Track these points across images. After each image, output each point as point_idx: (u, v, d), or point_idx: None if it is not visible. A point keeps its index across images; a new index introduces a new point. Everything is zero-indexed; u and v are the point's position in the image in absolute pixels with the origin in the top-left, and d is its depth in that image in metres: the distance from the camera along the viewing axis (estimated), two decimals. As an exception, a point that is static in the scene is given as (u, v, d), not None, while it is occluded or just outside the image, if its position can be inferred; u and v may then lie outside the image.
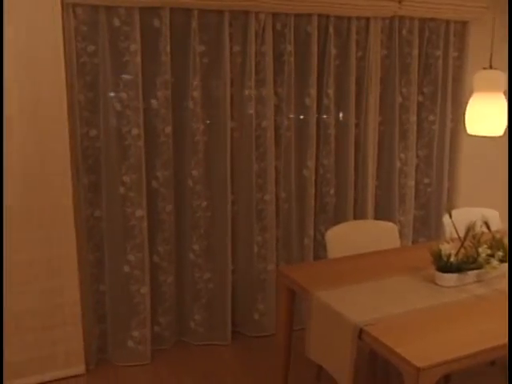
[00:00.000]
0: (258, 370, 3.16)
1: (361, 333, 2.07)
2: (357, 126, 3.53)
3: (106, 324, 3.19)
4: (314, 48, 3.27)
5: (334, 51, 3.35)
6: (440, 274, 2.43)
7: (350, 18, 3.33)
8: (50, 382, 3.03)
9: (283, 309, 2.69)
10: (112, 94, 2.93)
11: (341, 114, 3.49)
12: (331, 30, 3.29)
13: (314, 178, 3.44)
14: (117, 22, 2.88)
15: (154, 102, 3.03)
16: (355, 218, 3.60)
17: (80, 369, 3.09)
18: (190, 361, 3.26)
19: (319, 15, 3.26)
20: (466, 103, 2.48)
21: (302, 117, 3.38)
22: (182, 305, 3.36)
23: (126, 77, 2.93)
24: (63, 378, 3.06)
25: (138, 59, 2.91)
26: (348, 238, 2.99)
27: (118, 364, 3.20)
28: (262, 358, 3.27)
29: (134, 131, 2.96)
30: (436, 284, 2.44)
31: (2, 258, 2.57)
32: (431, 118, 3.71)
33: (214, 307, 3.37)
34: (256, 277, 3.42)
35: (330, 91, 3.37)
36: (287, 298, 2.66)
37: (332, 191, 3.52)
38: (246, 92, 3.19)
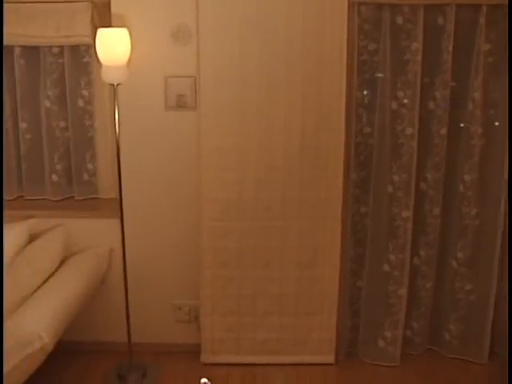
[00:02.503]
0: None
1: None
2: None
3: (359, 319, 3.22)
4: None
5: None
6: None
7: None
8: (300, 364, 3.15)
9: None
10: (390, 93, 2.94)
11: None
12: None
13: None
14: (400, 20, 2.85)
15: (431, 102, 2.95)
16: None
17: (329, 358, 3.17)
18: (440, 372, 3.13)
19: None
20: None
21: None
22: (438, 313, 3.23)
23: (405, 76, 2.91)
24: (313, 364, 3.16)
25: (419, 58, 2.85)
26: None
27: (366, 361, 3.21)
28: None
29: (408, 130, 2.92)
30: None
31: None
32: None
33: (473, 321, 3.17)
34: (524, 296, 3.15)
35: None
36: None
37: None
38: (533, 94, 2.94)
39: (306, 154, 2.89)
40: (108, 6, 2.86)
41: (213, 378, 3.04)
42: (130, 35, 2.73)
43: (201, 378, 1.94)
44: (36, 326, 2.33)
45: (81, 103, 3.21)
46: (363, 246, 3.12)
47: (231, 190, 2.92)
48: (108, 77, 2.73)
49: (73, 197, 3.32)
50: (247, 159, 2.90)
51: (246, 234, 2.98)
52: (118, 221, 2.93)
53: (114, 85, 2.73)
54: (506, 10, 2.80)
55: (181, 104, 2.94)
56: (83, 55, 3.14)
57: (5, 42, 3.04)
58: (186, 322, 3.24)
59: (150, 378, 3.07)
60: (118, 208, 2.92)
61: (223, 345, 3.15)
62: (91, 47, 3.03)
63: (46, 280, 2.75)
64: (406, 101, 2.92)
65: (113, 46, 2.68)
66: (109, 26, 2.82)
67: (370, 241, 3.08)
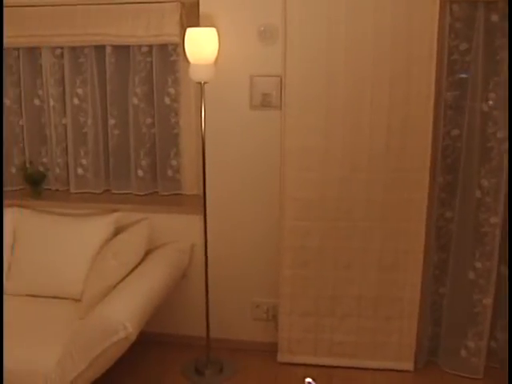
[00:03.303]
0: None
1: None
2: None
3: (440, 327, 3.12)
4: None
5: None
6: None
7: None
8: (378, 370, 3.09)
9: None
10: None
11: None
12: None
13: None
14: (494, 18, 2.74)
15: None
16: None
17: (408, 365, 3.09)
18: (524, 388, 2.99)
19: None
20: None
21: None
22: (526, 325, 3.09)
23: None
24: (391, 370, 3.09)
25: (515, 57, 2.74)
26: None
27: (446, 370, 3.10)
28: None
29: (500, 134, 2.80)
30: None
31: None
32: None
33: None
34: None
35: None
36: None
37: None
38: None
39: (391, 154, 2.83)
40: (196, 5, 2.92)
41: (289, 377, 3.04)
42: (218, 34, 2.77)
43: (305, 378, 1.93)
44: (121, 316, 2.40)
45: (167, 101, 3.29)
46: (447, 252, 3.02)
47: (314, 189, 2.91)
48: (196, 75, 2.78)
49: (157, 192, 3.41)
50: (331, 159, 2.87)
51: (328, 234, 2.95)
52: (201, 217, 2.98)
53: (201, 83, 2.78)
54: None
55: (266, 103, 2.96)
56: (171, 54, 3.22)
57: (98, 42, 3.17)
58: (263, 321, 3.25)
59: (226, 373, 3.10)
60: (201, 204, 2.97)
61: (300, 345, 3.14)
62: (179, 46, 3.10)
63: (131, 272, 2.82)
64: (496, 102, 2.80)
65: (201, 45, 2.73)
66: (196, 25, 2.88)
67: (455, 247, 2.98)
